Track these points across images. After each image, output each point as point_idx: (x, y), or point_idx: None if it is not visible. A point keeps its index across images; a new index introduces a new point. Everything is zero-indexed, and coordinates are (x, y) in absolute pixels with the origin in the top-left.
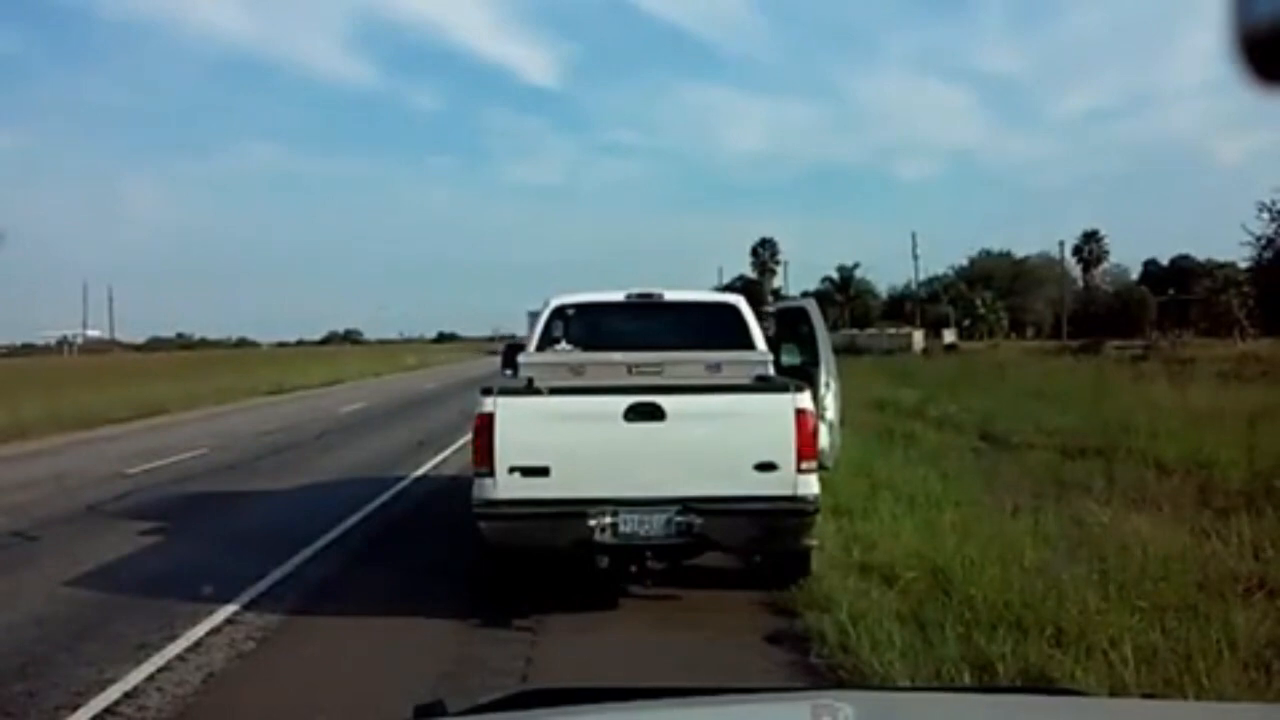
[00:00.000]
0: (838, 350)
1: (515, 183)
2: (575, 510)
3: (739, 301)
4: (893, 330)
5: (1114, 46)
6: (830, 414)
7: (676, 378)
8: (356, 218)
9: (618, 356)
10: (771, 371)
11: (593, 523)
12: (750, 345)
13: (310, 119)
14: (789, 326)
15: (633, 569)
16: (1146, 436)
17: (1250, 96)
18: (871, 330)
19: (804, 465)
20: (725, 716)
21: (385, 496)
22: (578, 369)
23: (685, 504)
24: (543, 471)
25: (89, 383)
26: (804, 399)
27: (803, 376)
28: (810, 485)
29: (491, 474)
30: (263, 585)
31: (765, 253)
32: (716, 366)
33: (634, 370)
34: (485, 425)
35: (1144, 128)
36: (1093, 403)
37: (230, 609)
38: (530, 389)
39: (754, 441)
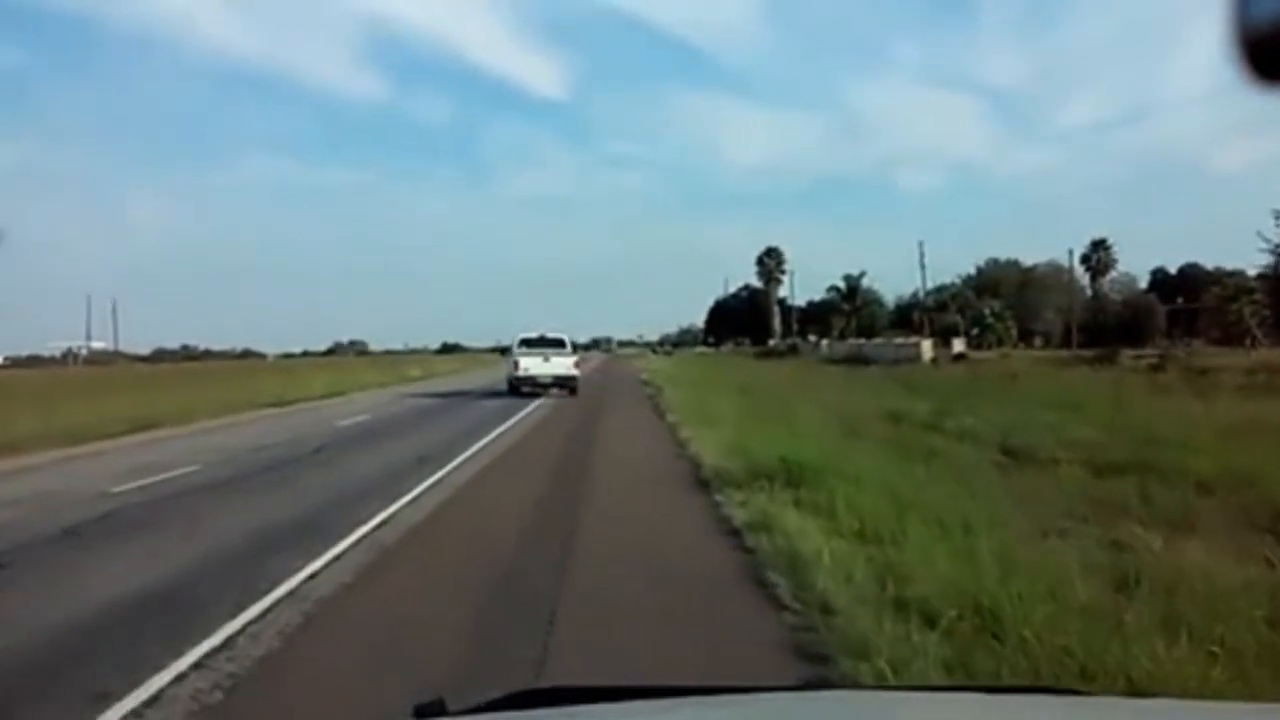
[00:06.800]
0: (844, 359)
1: (521, 194)
2: (533, 378)
3: (566, 336)
4: (900, 340)
5: (1120, 54)
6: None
7: (553, 354)
8: (362, 229)
9: (537, 350)
10: (574, 354)
11: (540, 381)
12: (566, 347)
13: (317, 130)
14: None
15: (549, 392)
16: (1177, 450)
17: (1252, 98)
18: (879, 340)
19: (576, 370)
20: (726, 716)
21: (385, 513)
22: (531, 353)
23: (557, 377)
24: (528, 370)
25: (87, 395)
26: (576, 358)
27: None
28: (576, 371)
29: (517, 370)
30: (240, 620)
31: (771, 262)
32: (559, 354)
33: (544, 355)
34: (517, 362)
35: (1151, 136)
36: (1114, 415)
37: (200, 651)
38: (523, 355)
39: (569, 366)
